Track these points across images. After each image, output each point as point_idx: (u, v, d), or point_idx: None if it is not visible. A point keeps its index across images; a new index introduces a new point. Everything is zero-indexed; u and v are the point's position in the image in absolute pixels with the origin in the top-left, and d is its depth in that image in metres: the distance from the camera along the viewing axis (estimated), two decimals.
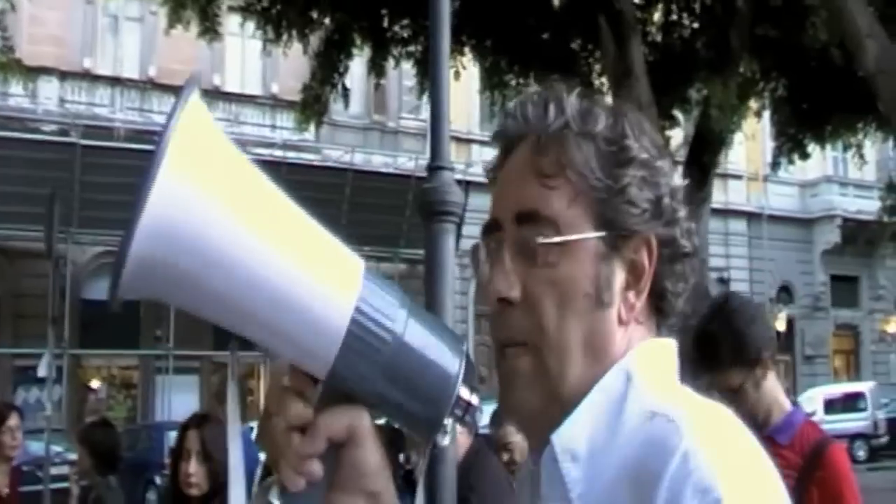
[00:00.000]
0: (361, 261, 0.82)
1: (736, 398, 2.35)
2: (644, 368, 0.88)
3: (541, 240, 0.88)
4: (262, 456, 4.23)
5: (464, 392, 0.83)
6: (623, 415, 0.85)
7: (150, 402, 21.76)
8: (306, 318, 0.78)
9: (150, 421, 20.08)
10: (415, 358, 0.81)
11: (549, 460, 0.87)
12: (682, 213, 0.92)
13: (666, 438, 0.79)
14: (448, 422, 0.83)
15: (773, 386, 2.48)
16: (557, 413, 0.87)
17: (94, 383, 22.64)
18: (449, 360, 0.82)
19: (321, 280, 0.78)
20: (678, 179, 0.93)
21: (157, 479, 14.07)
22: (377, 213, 20.49)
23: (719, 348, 2.38)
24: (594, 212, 0.88)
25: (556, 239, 0.87)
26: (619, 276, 0.89)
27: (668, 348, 0.93)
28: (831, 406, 21.22)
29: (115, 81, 22.67)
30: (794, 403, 2.57)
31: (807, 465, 2.34)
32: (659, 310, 0.92)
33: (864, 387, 24.35)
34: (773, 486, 0.81)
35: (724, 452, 0.78)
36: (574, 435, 0.86)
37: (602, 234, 0.88)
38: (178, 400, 19.49)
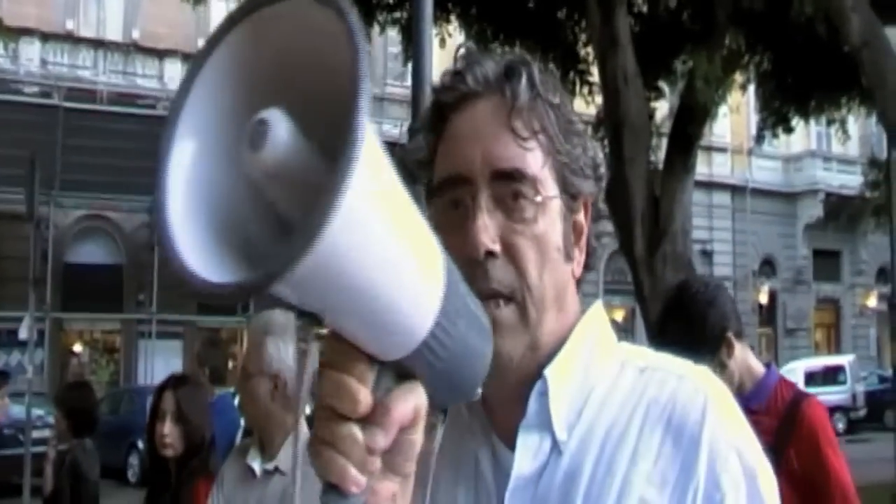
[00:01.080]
0: (442, 257, 0.75)
1: None
2: (603, 324, 1.03)
3: (536, 196, 0.94)
4: (243, 421, 4.23)
5: None
6: (595, 362, 0.98)
7: (132, 367, 21.74)
8: (392, 323, 0.70)
9: (132, 385, 20.07)
10: (467, 351, 0.78)
11: (538, 394, 0.95)
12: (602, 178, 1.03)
13: (694, 398, 0.93)
14: (479, 391, 0.84)
15: (741, 358, 2.50)
16: (533, 359, 0.95)
17: (77, 347, 22.61)
18: (487, 345, 0.81)
19: (418, 289, 0.71)
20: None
21: (140, 443, 14.13)
22: None
23: (683, 336, 2.39)
24: (557, 174, 0.96)
25: (539, 198, 0.94)
26: (571, 235, 0.99)
27: (602, 309, 1.06)
28: (812, 379, 21.40)
29: (98, 44, 22.41)
30: (767, 366, 2.57)
31: (782, 425, 2.35)
32: (585, 265, 1.02)
33: (844, 360, 24.58)
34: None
35: (730, 405, 0.95)
36: (562, 373, 0.96)
37: (566, 194, 0.97)
38: (161, 364, 19.47)
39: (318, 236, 0.55)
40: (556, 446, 0.94)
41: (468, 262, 0.90)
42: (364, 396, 0.69)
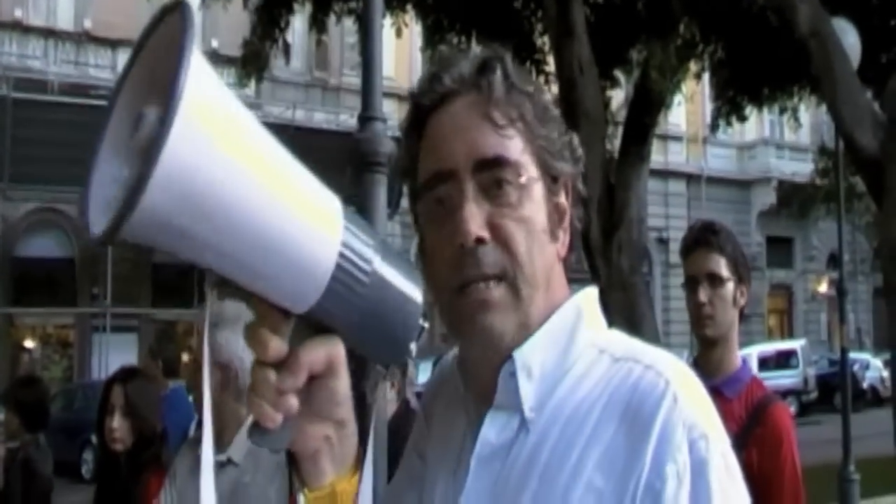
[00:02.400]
0: (338, 201, 0.85)
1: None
2: (589, 309, 1.03)
3: (519, 180, 0.98)
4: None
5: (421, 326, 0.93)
6: (573, 345, 1.00)
7: (86, 362, 21.44)
8: (295, 261, 0.80)
9: (86, 380, 19.81)
10: (389, 292, 0.87)
11: (507, 374, 0.97)
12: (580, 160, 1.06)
13: (654, 385, 0.93)
14: (413, 346, 0.91)
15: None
16: (523, 338, 0.98)
17: (28, 343, 22.24)
18: (415, 291, 0.90)
19: (310, 224, 0.81)
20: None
21: (94, 439, 13.98)
22: (318, 170, 20.18)
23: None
24: (538, 158, 1.00)
25: (523, 180, 0.98)
26: (555, 216, 1.02)
27: (595, 295, 1.06)
28: (765, 363, 21.73)
29: (48, 33, 21.98)
30: (743, 360, 2.61)
31: (749, 420, 2.38)
32: (571, 245, 1.04)
33: (796, 345, 24.98)
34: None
35: (697, 395, 0.95)
36: (532, 355, 0.98)
37: (547, 177, 1.01)
38: (116, 358, 19.20)
39: (150, 167, 0.67)
40: (524, 424, 0.97)
41: (459, 251, 0.96)
42: (274, 343, 0.82)
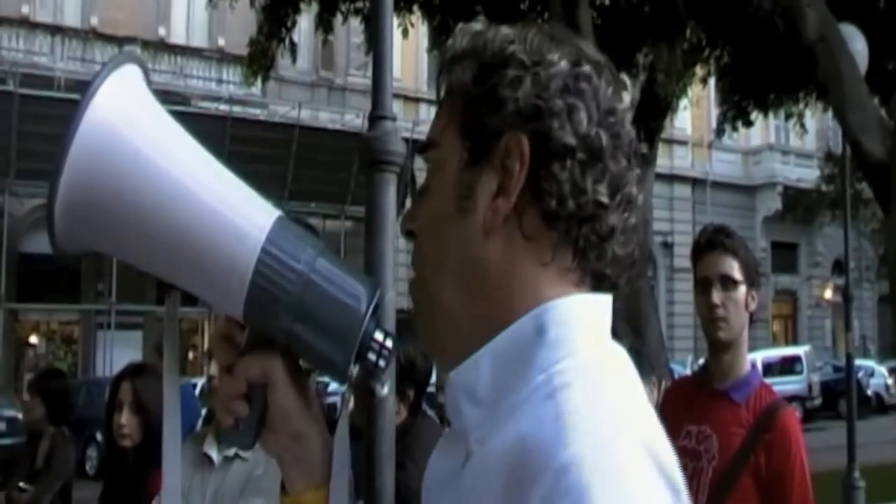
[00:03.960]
0: (278, 212, 0.87)
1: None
2: (562, 325, 0.79)
3: (433, 160, 0.87)
4: (204, 410, 4.20)
5: (378, 335, 0.86)
6: (528, 373, 0.78)
7: (91, 358, 21.48)
8: (212, 264, 0.84)
9: (90, 377, 19.84)
10: (321, 296, 0.84)
11: (450, 392, 0.84)
12: (576, 107, 0.82)
13: (552, 441, 0.70)
14: (354, 369, 0.87)
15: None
16: (462, 352, 0.82)
17: (33, 338, 22.28)
18: (357, 301, 0.85)
19: (231, 223, 0.84)
20: (581, 68, 0.84)
21: (98, 436, 13.97)
22: (324, 169, 20.36)
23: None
24: (462, 125, 0.85)
25: (436, 157, 0.87)
26: (489, 184, 0.82)
27: (598, 305, 0.83)
28: (769, 369, 21.69)
29: (55, 30, 22.03)
30: (752, 365, 2.61)
31: (758, 426, 2.38)
32: (551, 219, 0.81)
33: (800, 351, 24.93)
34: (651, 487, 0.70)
35: (605, 467, 0.68)
36: (473, 376, 0.81)
37: (466, 143, 0.84)
38: (121, 356, 19.25)
39: (61, 164, 0.81)
40: (468, 455, 0.81)
41: None
42: (223, 349, 0.89)
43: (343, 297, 0.85)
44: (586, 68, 0.83)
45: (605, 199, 0.81)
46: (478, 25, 0.88)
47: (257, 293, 0.83)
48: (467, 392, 0.81)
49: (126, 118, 0.84)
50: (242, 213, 0.85)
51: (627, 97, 0.87)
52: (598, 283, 0.84)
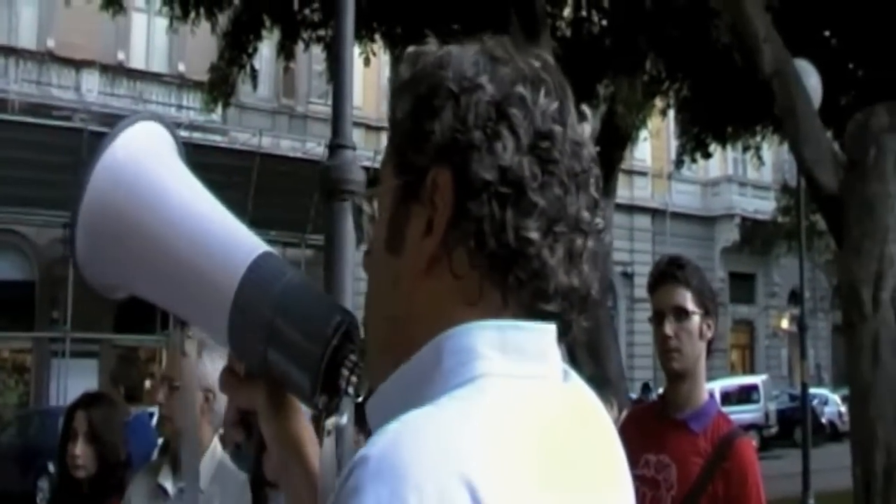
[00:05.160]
0: (265, 245, 0.96)
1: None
2: (458, 353, 0.75)
3: (362, 202, 0.87)
4: (160, 440, 4.13)
5: (347, 363, 0.89)
6: (421, 402, 0.72)
7: (44, 387, 21.03)
8: (206, 281, 0.93)
9: (43, 406, 19.44)
10: (291, 321, 0.90)
11: (369, 421, 0.80)
12: (499, 136, 0.77)
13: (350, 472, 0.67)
14: (320, 398, 0.89)
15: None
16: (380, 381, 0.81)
17: None
18: (324, 326, 0.89)
19: (221, 250, 0.94)
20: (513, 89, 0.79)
21: (50, 466, 13.69)
22: (284, 197, 20.24)
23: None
24: (395, 161, 0.82)
25: (365, 193, 0.90)
26: (418, 223, 0.79)
27: (515, 331, 0.77)
28: (727, 398, 21.87)
29: (9, 51, 21.74)
30: (710, 394, 2.63)
31: (715, 454, 2.40)
32: (474, 258, 0.77)
33: (757, 380, 25.18)
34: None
35: (386, 469, 0.65)
36: (381, 406, 0.78)
37: (398, 179, 0.81)
38: (76, 384, 18.88)
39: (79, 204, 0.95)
40: None
41: None
42: (224, 383, 0.98)
43: (311, 323, 0.89)
44: (519, 90, 0.78)
45: (532, 235, 0.76)
46: (424, 48, 0.84)
47: (237, 316, 0.90)
48: (377, 422, 0.75)
49: (135, 164, 0.97)
50: (232, 242, 0.95)
51: (587, 126, 0.83)
52: (544, 320, 0.78)
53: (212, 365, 2.37)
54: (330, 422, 0.90)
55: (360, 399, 0.96)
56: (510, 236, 0.75)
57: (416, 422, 0.68)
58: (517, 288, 0.77)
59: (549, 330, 0.79)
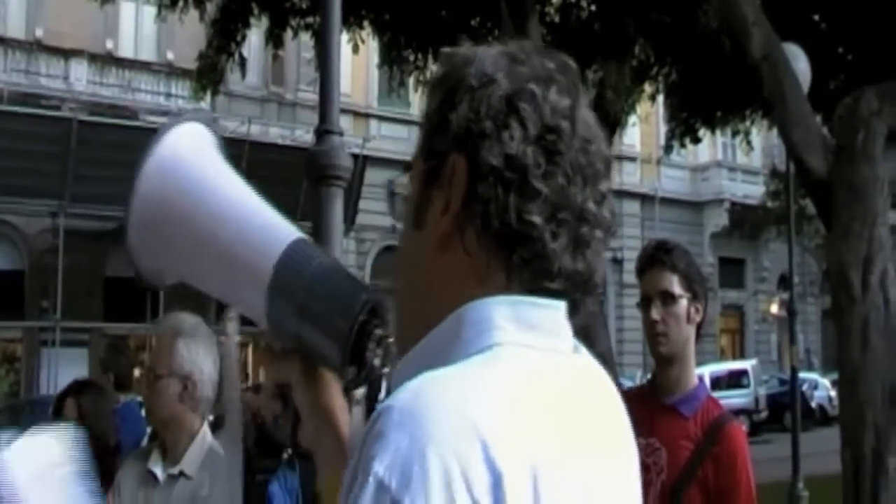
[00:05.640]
0: (294, 230, 1.06)
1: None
2: (476, 324, 0.82)
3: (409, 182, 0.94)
4: (149, 428, 4.14)
5: (374, 337, 0.99)
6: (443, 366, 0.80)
7: (34, 376, 21.00)
8: (247, 261, 1.01)
9: (34, 395, 19.41)
10: (322, 296, 0.98)
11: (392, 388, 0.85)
12: (508, 127, 0.84)
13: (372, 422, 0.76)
14: (350, 369, 0.98)
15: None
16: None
17: None
18: (352, 302, 0.98)
19: (260, 232, 1.04)
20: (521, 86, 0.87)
21: None
22: (273, 185, 19.74)
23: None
24: (423, 147, 0.92)
25: (408, 174, 0.95)
26: (438, 202, 0.87)
27: (530, 306, 0.84)
28: (717, 383, 21.97)
29: None
30: (700, 379, 2.64)
31: (705, 439, 2.41)
32: (481, 238, 0.84)
33: (747, 365, 25.30)
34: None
35: (395, 422, 0.73)
36: (405, 373, 0.82)
37: (425, 164, 0.90)
38: (66, 373, 18.82)
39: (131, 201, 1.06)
40: None
41: None
42: (264, 361, 1.08)
43: (340, 301, 0.97)
44: (531, 86, 0.85)
45: (534, 218, 0.83)
46: (456, 49, 0.93)
47: (273, 296, 0.98)
48: (399, 384, 0.80)
49: (181, 161, 1.08)
50: (268, 230, 1.04)
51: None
52: (550, 297, 0.85)
53: (188, 353, 2.37)
54: (359, 392, 1.02)
55: (386, 370, 1.03)
56: (512, 217, 0.83)
57: (437, 378, 0.76)
58: (520, 267, 0.84)
59: (560, 307, 0.86)
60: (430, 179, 0.88)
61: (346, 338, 0.96)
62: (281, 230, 1.04)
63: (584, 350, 0.91)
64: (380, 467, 0.71)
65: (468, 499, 0.70)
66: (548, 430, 0.78)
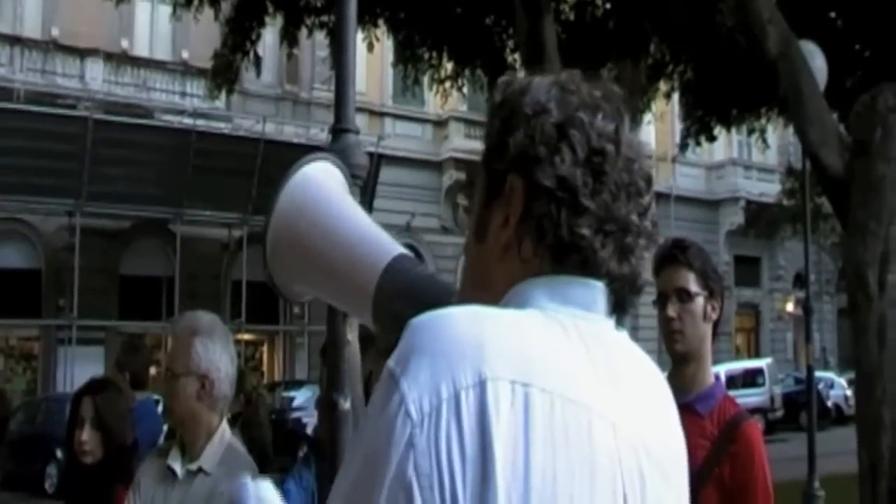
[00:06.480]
0: (396, 246, 1.23)
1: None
2: (514, 297, 0.95)
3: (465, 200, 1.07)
4: (166, 426, 4.16)
5: None
6: None
7: (51, 374, 21.13)
8: (361, 266, 1.19)
9: (50, 393, 19.53)
10: (428, 290, 1.14)
11: None
12: (560, 152, 0.95)
13: None
14: None
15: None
16: None
17: None
18: (443, 295, 1.13)
19: (358, 261, 1.21)
20: (574, 116, 0.97)
21: (59, 453, 13.76)
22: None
23: None
24: (487, 166, 1.02)
25: (469, 191, 1.01)
26: (498, 217, 0.99)
27: (566, 283, 0.95)
28: (732, 382, 21.89)
29: (14, 41, 21.72)
30: (716, 377, 2.62)
31: (722, 437, 2.39)
32: (538, 248, 0.96)
33: (762, 363, 25.18)
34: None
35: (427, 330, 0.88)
36: None
37: (486, 182, 1.02)
38: (82, 371, 18.92)
39: (267, 230, 1.26)
40: None
41: None
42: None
43: (433, 308, 1.01)
44: (580, 114, 0.97)
45: (584, 231, 0.94)
46: (512, 78, 1.05)
47: (377, 305, 1.16)
48: None
49: (308, 196, 1.28)
50: (374, 249, 1.20)
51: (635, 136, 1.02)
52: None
53: (205, 351, 2.38)
54: None
55: None
56: (564, 231, 0.94)
57: (462, 309, 0.90)
58: (575, 272, 0.96)
59: (595, 285, 0.96)
60: (490, 197, 1.00)
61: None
62: (385, 248, 1.20)
63: (623, 329, 1.01)
64: (391, 360, 0.86)
65: (451, 390, 0.82)
66: (556, 365, 0.87)
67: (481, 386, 0.82)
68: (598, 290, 0.96)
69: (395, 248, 1.21)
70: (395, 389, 0.83)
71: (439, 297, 1.11)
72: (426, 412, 0.81)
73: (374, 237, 1.23)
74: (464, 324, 0.87)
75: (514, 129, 0.98)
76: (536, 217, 0.95)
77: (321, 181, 1.30)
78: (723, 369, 23.16)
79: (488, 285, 0.99)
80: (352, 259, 1.20)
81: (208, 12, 10.60)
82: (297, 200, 1.26)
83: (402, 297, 1.15)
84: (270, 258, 1.27)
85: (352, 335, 1.33)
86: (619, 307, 0.99)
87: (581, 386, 0.87)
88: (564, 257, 0.95)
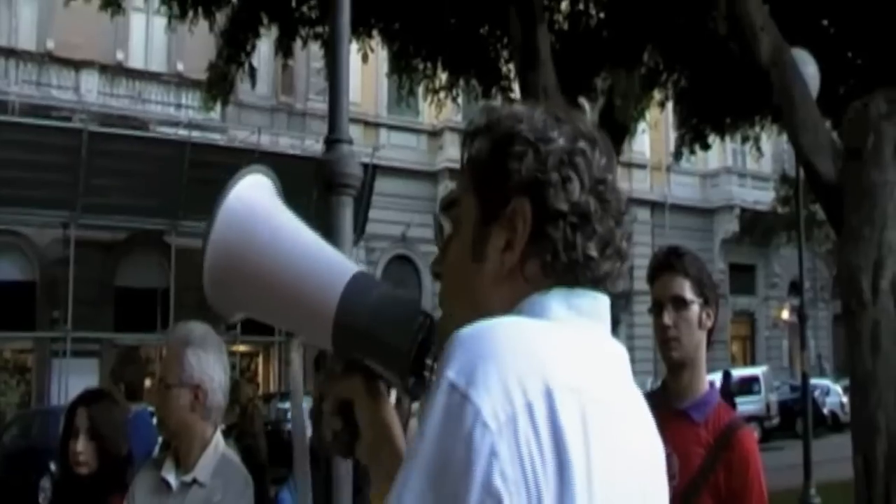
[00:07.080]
0: (351, 265, 1.17)
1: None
2: (533, 306, 0.98)
3: (453, 219, 1.07)
4: (161, 437, 4.14)
5: (433, 351, 1.07)
6: None
7: (45, 387, 21.05)
8: (316, 294, 1.12)
9: (45, 406, 19.44)
10: (386, 317, 1.09)
11: None
12: (570, 179, 1.00)
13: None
14: (410, 385, 1.08)
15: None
16: None
17: None
18: (410, 322, 1.09)
19: (327, 267, 1.15)
20: (577, 144, 1.02)
21: (52, 466, 13.68)
22: (284, 195, 20.23)
23: None
24: (478, 189, 1.04)
25: (455, 215, 1.06)
26: (498, 240, 1.01)
27: (565, 297, 0.99)
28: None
29: (9, 53, 21.73)
30: (710, 384, 2.63)
31: (717, 445, 2.40)
32: (547, 269, 1.00)
33: (758, 371, 25.18)
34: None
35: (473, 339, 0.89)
36: None
37: (481, 205, 1.03)
38: (76, 384, 18.83)
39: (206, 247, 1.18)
40: None
41: None
42: (327, 382, 1.17)
43: (399, 324, 1.07)
44: (581, 144, 1.01)
45: (593, 253, 1.00)
46: (496, 104, 1.20)
47: (339, 323, 1.09)
48: None
49: (248, 211, 1.20)
50: (331, 266, 1.15)
51: (612, 172, 1.06)
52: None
53: (198, 362, 2.37)
54: (415, 406, 1.10)
55: None
56: (578, 253, 0.99)
57: (503, 319, 0.92)
58: (574, 284, 1.01)
59: (603, 298, 1.03)
60: (487, 219, 1.02)
61: (407, 358, 1.06)
62: (342, 266, 1.16)
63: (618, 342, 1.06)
64: (451, 373, 0.86)
65: (523, 399, 0.84)
66: (594, 373, 0.93)
67: (549, 394, 0.85)
68: (605, 304, 1.03)
69: (349, 267, 1.16)
70: (466, 401, 0.84)
71: (408, 314, 1.09)
72: (503, 421, 0.83)
73: (325, 260, 1.17)
74: (516, 334, 0.90)
75: (517, 155, 1.00)
76: (551, 240, 0.99)
77: (255, 200, 1.24)
78: (719, 377, 23.15)
79: (484, 304, 0.99)
80: (305, 285, 1.13)
81: (203, 24, 10.61)
82: (239, 224, 1.19)
83: (368, 315, 1.09)
84: (210, 287, 1.20)
85: (295, 354, 1.29)
86: (614, 321, 1.05)
87: (614, 393, 0.95)
88: (573, 276, 1.00)
